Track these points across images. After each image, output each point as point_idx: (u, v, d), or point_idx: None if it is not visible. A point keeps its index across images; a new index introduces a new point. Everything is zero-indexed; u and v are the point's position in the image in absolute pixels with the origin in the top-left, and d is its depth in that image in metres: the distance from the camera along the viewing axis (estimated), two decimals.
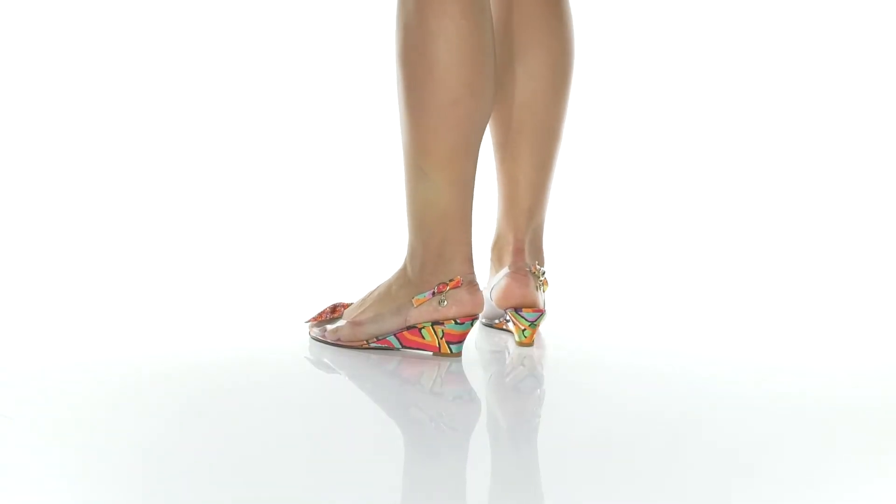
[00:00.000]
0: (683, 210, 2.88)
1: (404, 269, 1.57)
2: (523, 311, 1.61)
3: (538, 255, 1.72)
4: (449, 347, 1.54)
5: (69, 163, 2.95)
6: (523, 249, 1.68)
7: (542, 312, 1.62)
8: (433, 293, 1.53)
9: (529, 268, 1.66)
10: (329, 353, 1.57)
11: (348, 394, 1.45)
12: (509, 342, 1.65)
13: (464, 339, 1.55)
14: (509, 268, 1.66)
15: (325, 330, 1.62)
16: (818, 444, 1.22)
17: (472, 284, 1.54)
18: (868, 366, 1.58)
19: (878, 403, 1.38)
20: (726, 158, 3.02)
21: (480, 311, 1.54)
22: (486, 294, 1.73)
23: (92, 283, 2.16)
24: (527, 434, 1.27)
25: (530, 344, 1.61)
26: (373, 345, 1.57)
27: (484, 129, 1.57)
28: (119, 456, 1.14)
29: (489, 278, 1.74)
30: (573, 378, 1.52)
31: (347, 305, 1.64)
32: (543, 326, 1.73)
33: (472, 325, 1.54)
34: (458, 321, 1.53)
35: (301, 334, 1.66)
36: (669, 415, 1.32)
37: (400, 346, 1.56)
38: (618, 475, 1.12)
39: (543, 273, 1.69)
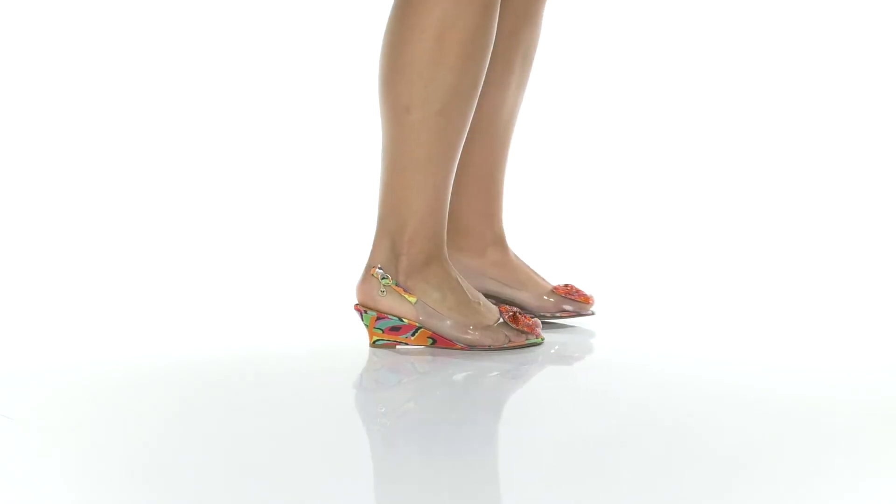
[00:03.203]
0: (683, 210, 2.87)
1: None
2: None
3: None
4: None
5: (68, 163, 2.95)
6: None
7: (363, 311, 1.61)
8: None
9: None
10: (326, 352, 1.57)
11: (346, 393, 1.45)
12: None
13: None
14: None
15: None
16: (818, 444, 1.21)
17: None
18: (868, 366, 1.58)
19: (878, 403, 1.38)
20: (726, 160, 3.02)
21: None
22: None
23: (90, 283, 2.16)
24: (525, 434, 1.27)
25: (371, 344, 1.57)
26: None
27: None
28: (118, 456, 1.14)
29: None
30: (573, 378, 1.52)
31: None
32: (545, 327, 1.72)
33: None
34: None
35: (299, 333, 1.66)
36: (668, 415, 1.32)
37: None
38: (617, 475, 1.12)
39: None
